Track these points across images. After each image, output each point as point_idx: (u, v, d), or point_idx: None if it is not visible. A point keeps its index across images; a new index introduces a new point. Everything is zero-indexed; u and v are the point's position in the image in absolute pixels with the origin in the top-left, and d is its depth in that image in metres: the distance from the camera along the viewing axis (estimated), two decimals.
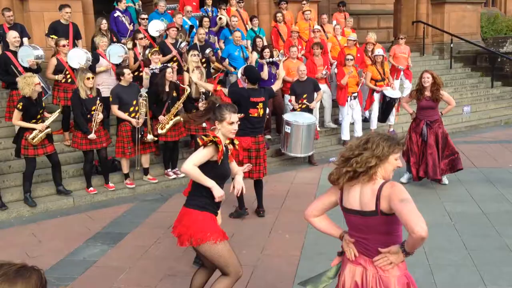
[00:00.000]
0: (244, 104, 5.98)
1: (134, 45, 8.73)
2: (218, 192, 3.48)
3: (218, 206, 3.66)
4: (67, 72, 7.85)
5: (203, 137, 3.47)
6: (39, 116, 6.67)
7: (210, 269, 3.81)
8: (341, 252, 2.91)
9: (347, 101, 9.65)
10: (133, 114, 7.33)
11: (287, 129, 8.43)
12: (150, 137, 7.43)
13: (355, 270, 2.76)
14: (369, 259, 2.70)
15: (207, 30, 9.94)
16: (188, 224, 3.51)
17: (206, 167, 3.48)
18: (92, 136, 6.99)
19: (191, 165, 3.42)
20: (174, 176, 7.96)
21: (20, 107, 6.54)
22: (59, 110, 6.90)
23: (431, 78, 7.01)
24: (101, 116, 7.06)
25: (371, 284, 2.67)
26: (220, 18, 10.55)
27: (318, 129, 9.85)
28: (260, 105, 6.11)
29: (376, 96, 9.98)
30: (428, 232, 2.35)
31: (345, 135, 9.83)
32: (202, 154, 3.46)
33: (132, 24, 9.95)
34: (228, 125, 3.58)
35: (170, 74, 7.68)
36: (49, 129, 6.73)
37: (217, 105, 3.67)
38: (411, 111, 7.41)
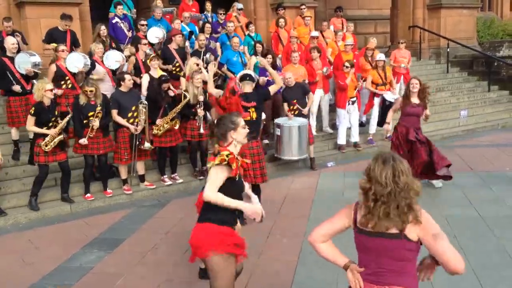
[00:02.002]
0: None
1: (137, 50, 8.75)
2: (251, 210, 3.41)
3: (236, 219, 3.54)
4: (67, 78, 7.83)
5: (217, 157, 3.33)
6: (51, 124, 6.72)
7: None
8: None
9: (347, 104, 9.64)
10: (131, 120, 7.34)
11: (278, 131, 8.45)
12: (147, 145, 7.42)
13: None
14: (378, 287, 2.59)
15: (208, 36, 9.95)
16: (203, 237, 3.36)
17: (225, 186, 3.35)
18: (82, 141, 6.99)
19: (213, 193, 3.29)
20: (170, 182, 7.96)
21: (33, 112, 6.65)
22: (70, 115, 6.91)
23: (419, 85, 7.14)
24: (97, 123, 7.04)
25: None
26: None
27: (315, 133, 9.84)
28: (252, 109, 6.16)
29: (376, 101, 9.98)
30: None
31: (341, 140, 9.83)
32: (219, 178, 3.32)
33: (130, 31, 9.96)
34: (242, 129, 3.54)
35: (167, 85, 7.74)
36: (61, 136, 6.74)
37: (216, 120, 3.59)
38: (389, 121, 7.76)
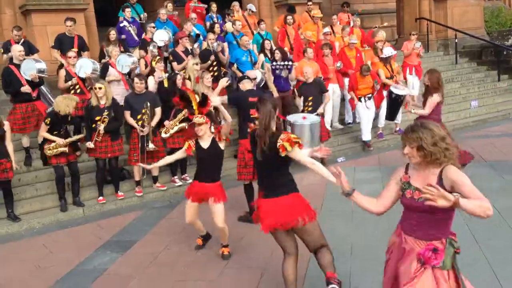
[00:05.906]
0: (243, 105, 6.20)
1: (146, 52, 8.81)
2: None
3: None
4: (76, 83, 7.90)
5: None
6: (62, 132, 6.90)
7: (294, 254, 4.09)
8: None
9: (360, 101, 9.59)
10: (140, 122, 7.39)
11: (289, 129, 8.40)
12: (151, 145, 7.41)
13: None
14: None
15: (217, 36, 9.97)
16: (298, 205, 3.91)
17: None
18: (88, 144, 7.04)
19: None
20: (181, 182, 7.97)
21: (48, 122, 6.79)
22: (83, 134, 7.08)
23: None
24: (102, 128, 7.06)
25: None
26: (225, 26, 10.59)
27: (330, 128, 9.77)
28: None
29: (385, 94, 9.94)
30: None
31: (366, 136, 9.67)
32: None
33: (139, 35, 10.00)
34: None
35: (180, 81, 7.74)
36: (65, 149, 6.83)
37: (261, 101, 3.99)
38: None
